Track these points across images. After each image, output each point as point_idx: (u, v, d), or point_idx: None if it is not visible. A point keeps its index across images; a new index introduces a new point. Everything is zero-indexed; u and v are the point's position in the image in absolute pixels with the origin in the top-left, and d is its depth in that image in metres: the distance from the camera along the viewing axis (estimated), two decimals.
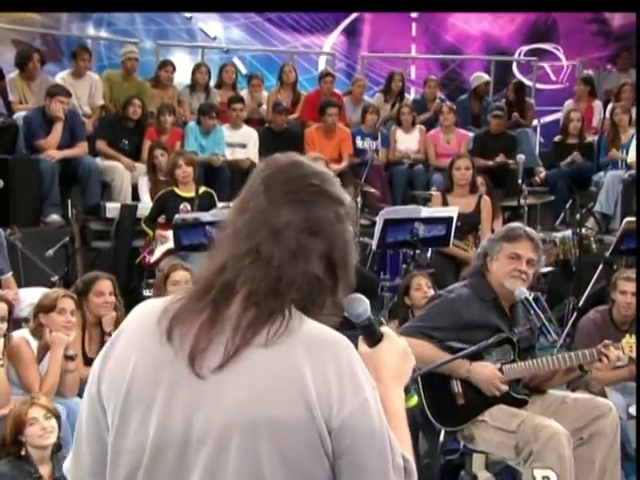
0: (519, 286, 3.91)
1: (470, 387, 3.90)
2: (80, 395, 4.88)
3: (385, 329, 1.93)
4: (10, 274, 6.07)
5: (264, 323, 1.66)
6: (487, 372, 3.87)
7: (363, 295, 6.13)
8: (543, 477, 3.56)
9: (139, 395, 1.71)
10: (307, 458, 1.63)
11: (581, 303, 7.14)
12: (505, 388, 3.88)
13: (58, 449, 4.18)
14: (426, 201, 8.06)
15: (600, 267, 7.06)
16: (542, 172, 9.62)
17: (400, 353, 1.92)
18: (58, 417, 4.21)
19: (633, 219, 6.81)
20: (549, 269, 8.14)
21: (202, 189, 7.19)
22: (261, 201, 1.76)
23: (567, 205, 8.43)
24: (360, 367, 1.69)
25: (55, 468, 4.14)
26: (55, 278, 6.37)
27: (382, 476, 1.65)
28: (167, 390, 1.69)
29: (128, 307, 7.01)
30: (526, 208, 7.80)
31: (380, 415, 1.67)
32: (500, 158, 9.24)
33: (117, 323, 5.23)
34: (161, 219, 7.13)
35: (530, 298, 3.88)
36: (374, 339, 1.88)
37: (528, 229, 4.09)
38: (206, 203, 7.06)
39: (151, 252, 6.92)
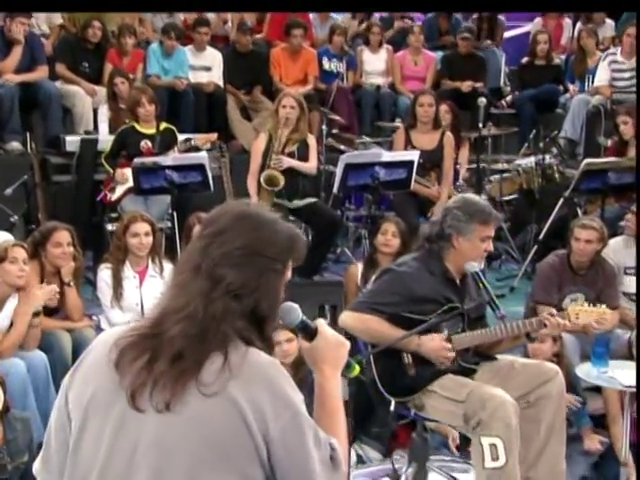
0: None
1: (420, 358, 3.95)
2: (40, 348, 4.92)
3: (318, 323, 2.15)
4: None
5: (194, 373, 1.85)
6: (436, 345, 3.91)
7: (327, 232, 6.17)
8: (490, 444, 3.67)
9: (94, 415, 1.91)
10: (246, 463, 1.85)
11: (542, 233, 7.22)
12: (451, 357, 3.92)
13: (7, 410, 4.16)
14: (393, 131, 8.01)
15: (561, 200, 7.12)
16: (509, 95, 9.58)
17: (333, 344, 2.12)
18: (2, 383, 4.20)
19: (593, 160, 6.84)
20: (513, 197, 8.22)
21: (163, 125, 7.07)
22: (197, 259, 1.95)
23: (531, 135, 8.40)
24: (288, 384, 1.92)
25: (6, 429, 4.13)
26: (15, 218, 6.31)
27: (310, 476, 1.88)
28: (116, 420, 1.88)
29: (92, 242, 7.03)
30: (489, 139, 7.80)
31: (309, 423, 1.90)
32: (468, 84, 9.18)
33: (76, 273, 5.25)
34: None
35: (479, 272, 3.91)
36: (310, 334, 2.13)
37: (492, 209, 4.09)
38: (167, 139, 6.96)
39: (112, 190, 6.85)
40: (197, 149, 6.99)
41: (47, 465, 2.03)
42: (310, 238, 7.04)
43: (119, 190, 6.80)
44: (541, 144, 7.97)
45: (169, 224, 6.51)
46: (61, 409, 2.00)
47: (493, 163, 8.20)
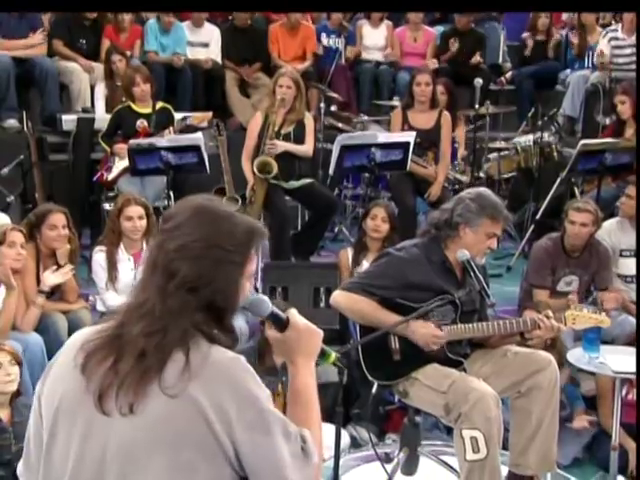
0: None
1: (407, 344, 3.94)
2: (36, 330, 4.95)
3: (290, 313, 2.14)
4: None
5: (157, 372, 1.85)
6: (426, 330, 3.89)
7: (323, 213, 6.17)
8: (471, 437, 3.68)
9: (63, 420, 1.92)
10: (212, 463, 1.84)
11: (539, 213, 7.24)
12: (441, 342, 3.90)
13: (17, 394, 4.25)
14: (391, 109, 7.98)
15: (558, 180, 7.12)
16: (509, 71, 9.54)
17: (305, 334, 2.12)
18: (21, 364, 4.27)
19: (589, 141, 6.81)
20: (511, 175, 8.21)
21: (159, 104, 7.06)
22: (155, 254, 1.95)
23: (530, 113, 8.37)
24: (253, 381, 1.89)
25: (14, 413, 4.21)
26: (10, 198, 6.34)
27: (280, 472, 1.87)
28: (84, 424, 1.89)
29: (90, 221, 7.05)
30: (487, 118, 7.77)
31: (276, 418, 1.89)
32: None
33: (71, 255, 5.26)
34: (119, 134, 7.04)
35: (471, 260, 3.90)
36: (281, 325, 2.12)
37: (504, 208, 4.06)
38: (164, 119, 6.95)
39: (109, 169, 6.85)
40: (194, 129, 6.97)
41: (28, 465, 2.06)
42: (306, 219, 7.08)
43: (115, 170, 6.80)
44: (540, 122, 7.94)
45: (166, 203, 6.50)
46: (36, 413, 2.01)
47: (491, 142, 8.17)
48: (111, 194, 6.84)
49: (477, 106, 6.33)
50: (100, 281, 5.30)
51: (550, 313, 3.94)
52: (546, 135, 7.85)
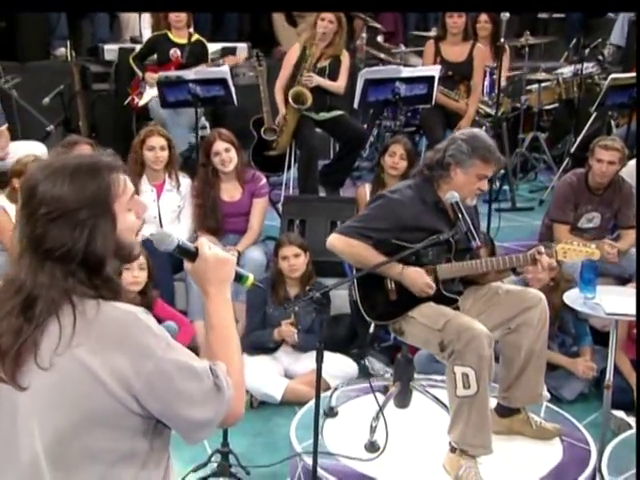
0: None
1: (403, 285, 4.01)
2: None
3: (199, 243, 2.15)
4: (5, 126, 6.07)
5: (32, 347, 1.85)
6: (417, 278, 3.96)
7: (352, 145, 6.21)
8: (462, 374, 3.76)
9: None
10: (116, 420, 1.87)
11: (574, 146, 7.18)
12: (431, 292, 3.97)
13: None
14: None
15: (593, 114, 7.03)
16: None
17: (213, 263, 2.11)
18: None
19: (618, 75, 6.68)
20: (553, 106, 8.10)
21: (194, 37, 7.16)
22: (22, 229, 1.92)
23: (571, 44, 8.21)
24: (146, 332, 1.87)
25: None
26: (50, 127, 6.52)
27: (188, 415, 1.90)
28: (6, 398, 1.92)
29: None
30: (527, 49, 7.66)
31: (176, 363, 1.88)
32: None
33: None
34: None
35: (460, 202, 3.94)
36: (191, 256, 2.14)
37: (497, 151, 4.03)
38: (197, 51, 7.06)
39: (140, 95, 7.01)
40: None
41: None
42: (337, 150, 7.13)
43: (146, 96, 6.96)
44: (582, 53, 7.81)
45: (202, 133, 6.59)
46: None
47: (532, 73, 8.03)
48: (151, 123, 6.97)
49: (502, 40, 6.22)
50: None
51: (542, 249, 3.94)
52: (589, 66, 7.72)
